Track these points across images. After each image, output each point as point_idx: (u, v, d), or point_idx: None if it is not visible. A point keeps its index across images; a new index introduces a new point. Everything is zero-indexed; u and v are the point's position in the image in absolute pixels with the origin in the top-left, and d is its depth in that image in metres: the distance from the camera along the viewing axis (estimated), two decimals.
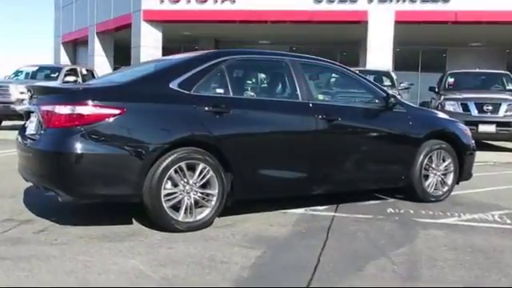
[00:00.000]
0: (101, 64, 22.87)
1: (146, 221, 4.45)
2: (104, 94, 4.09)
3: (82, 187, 3.96)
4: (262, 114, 4.63)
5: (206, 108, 4.34)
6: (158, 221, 4.18)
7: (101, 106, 3.96)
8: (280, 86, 5.05)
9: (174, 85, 4.30)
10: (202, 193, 4.33)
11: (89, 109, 3.93)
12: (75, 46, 29.07)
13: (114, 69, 22.77)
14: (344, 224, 4.70)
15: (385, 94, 5.39)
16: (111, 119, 3.96)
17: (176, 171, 4.18)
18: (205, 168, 4.30)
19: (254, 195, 4.72)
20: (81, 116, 3.91)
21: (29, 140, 4.40)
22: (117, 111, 3.98)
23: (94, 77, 16.53)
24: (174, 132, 4.17)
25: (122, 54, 23.25)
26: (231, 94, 4.59)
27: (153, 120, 4.13)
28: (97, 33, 23.76)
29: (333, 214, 5.09)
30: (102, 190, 4.00)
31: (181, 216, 4.23)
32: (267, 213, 5.00)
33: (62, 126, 3.95)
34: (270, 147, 4.65)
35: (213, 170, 4.32)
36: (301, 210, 5.16)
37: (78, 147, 3.88)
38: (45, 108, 4.10)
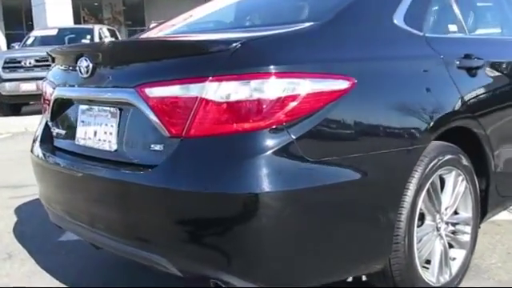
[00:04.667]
0: None
1: None
2: (312, 49, 1.82)
3: (298, 266, 1.73)
4: None
5: (458, 62, 2.25)
6: None
7: (319, 76, 1.73)
8: (504, 14, 3.00)
9: (399, 20, 2.13)
10: (452, 223, 2.32)
11: (294, 84, 1.68)
12: None
13: (8, 36, 18.86)
14: None
15: None
16: (334, 104, 1.73)
17: (428, 192, 2.11)
18: (458, 177, 2.26)
19: (503, 209, 2.75)
20: (282, 102, 1.66)
21: (94, 164, 2.03)
22: (344, 84, 1.77)
23: None
24: (428, 115, 2.03)
25: (15, 17, 19.27)
26: (468, 34, 2.51)
27: (394, 96, 1.95)
28: None
29: None
30: (337, 264, 1.84)
31: (435, 275, 2.19)
32: None
33: (233, 132, 1.66)
34: None
35: (467, 180, 2.30)
36: (506, 216, 3.30)
37: (290, 178, 1.64)
38: (169, 91, 1.75)
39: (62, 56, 2.31)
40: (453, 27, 2.44)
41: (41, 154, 2.39)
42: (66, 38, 12.38)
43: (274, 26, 2.04)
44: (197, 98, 1.70)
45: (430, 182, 2.08)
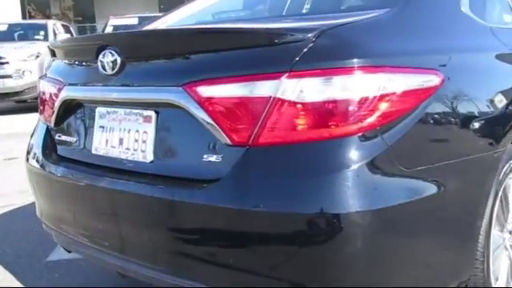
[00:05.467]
0: None
1: None
2: (397, 39, 1.53)
3: None
4: None
5: None
6: None
7: (411, 70, 1.46)
8: None
9: (465, 7, 1.89)
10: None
11: (388, 80, 1.40)
12: None
13: None
14: None
15: None
16: (426, 103, 1.47)
17: (500, 199, 1.90)
18: None
19: None
20: (375, 102, 1.38)
21: (121, 178, 1.68)
22: (435, 80, 1.50)
23: None
24: (509, 113, 1.81)
25: None
26: None
27: (477, 93, 1.69)
28: None
29: None
30: None
31: None
32: None
33: (316, 139, 1.37)
34: None
35: None
36: None
37: (388, 194, 1.38)
38: (231, 91, 1.44)
39: (73, 49, 1.95)
40: (507, 18, 2.24)
41: (44, 166, 2.02)
42: (16, 35, 11.66)
43: (337, 14, 1.77)
44: (270, 98, 1.40)
45: (502, 188, 1.87)
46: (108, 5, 21.75)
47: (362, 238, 1.37)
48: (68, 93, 1.94)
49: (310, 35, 1.41)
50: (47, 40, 10.76)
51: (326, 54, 1.40)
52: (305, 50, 1.40)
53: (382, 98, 1.39)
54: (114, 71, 1.70)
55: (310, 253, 1.38)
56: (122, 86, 1.71)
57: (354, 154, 1.36)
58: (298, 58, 1.39)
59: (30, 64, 9.36)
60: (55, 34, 11.01)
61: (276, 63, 1.41)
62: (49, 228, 2.13)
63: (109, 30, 10.80)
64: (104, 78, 1.75)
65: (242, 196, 1.42)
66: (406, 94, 1.42)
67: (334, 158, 1.37)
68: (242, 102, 1.44)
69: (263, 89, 1.41)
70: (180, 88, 1.53)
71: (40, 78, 2.19)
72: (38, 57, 9.55)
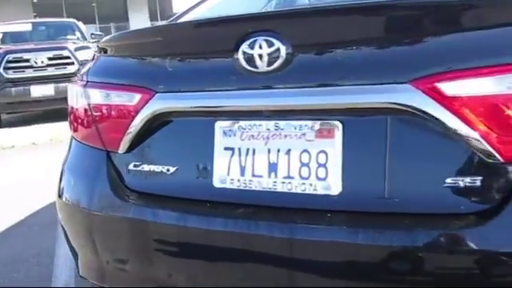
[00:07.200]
0: None
1: None
2: None
3: None
4: None
5: None
6: None
7: None
8: None
9: None
10: None
11: None
12: None
13: None
14: None
15: None
16: None
17: None
18: None
19: None
20: None
21: (284, 220, 1.17)
22: None
23: None
24: None
25: None
26: None
27: None
28: None
29: None
30: None
31: None
32: None
33: None
34: None
35: None
36: None
37: None
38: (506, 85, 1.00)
39: (181, 38, 1.35)
40: None
41: (117, 209, 1.40)
42: None
43: None
44: None
45: None
46: None
47: None
48: (164, 104, 1.34)
49: None
50: None
51: None
52: None
53: None
54: (274, 66, 1.17)
55: None
56: (285, 87, 1.19)
57: None
58: None
59: None
60: None
61: None
62: None
63: None
64: (247, 77, 1.21)
65: None
66: None
67: None
68: None
69: None
70: (408, 85, 1.06)
71: (83, 85, 1.55)
72: None
